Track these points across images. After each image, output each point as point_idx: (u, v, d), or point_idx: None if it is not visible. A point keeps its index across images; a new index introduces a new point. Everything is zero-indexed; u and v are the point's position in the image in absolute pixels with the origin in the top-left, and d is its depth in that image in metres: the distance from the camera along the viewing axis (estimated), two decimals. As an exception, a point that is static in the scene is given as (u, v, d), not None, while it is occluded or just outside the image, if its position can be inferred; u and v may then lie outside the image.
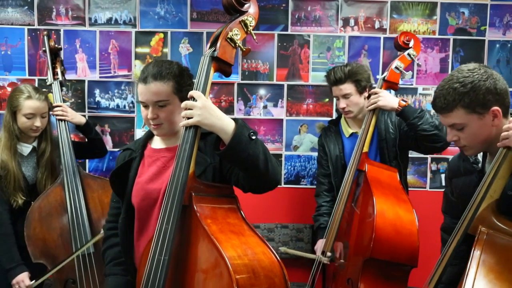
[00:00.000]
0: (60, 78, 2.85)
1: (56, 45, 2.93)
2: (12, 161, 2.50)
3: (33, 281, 2.44)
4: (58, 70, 2.86)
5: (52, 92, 2.83)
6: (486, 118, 1.54)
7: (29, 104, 2.52)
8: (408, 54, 2.57)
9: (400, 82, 2.65)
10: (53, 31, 3.18)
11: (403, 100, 2.46)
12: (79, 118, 2.82)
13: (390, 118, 2.64)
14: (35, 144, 2.64)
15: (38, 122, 2.54)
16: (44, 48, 2.90)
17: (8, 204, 2.52)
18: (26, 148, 2.61)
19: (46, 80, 2.88)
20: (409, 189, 2.82)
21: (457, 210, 1.80)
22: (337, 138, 2.77)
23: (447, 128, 1.64)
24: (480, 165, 1.69)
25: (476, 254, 1.42)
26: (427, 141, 2.44)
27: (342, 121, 2.80)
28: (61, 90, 2.85)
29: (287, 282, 1.47)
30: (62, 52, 3.16)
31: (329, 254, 2.55)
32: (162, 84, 1.68)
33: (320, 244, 2.70)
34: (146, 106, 1.73)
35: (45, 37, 2.89)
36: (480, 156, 1.70)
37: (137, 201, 1.78)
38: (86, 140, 2.91)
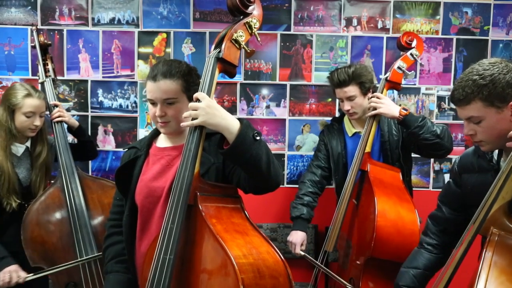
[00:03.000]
0: (52, 76, 2.78)
1: (46, 41, 2.84)
2: (7, 162, 2.43)
3: (31, 274, 2.33)
4: (50, 67, 2.78)
5: (45, 90, 2.73)
6: (504, 113, 1.52)
7: (30, 102, 2.46)
8: (411, 54, 2.57)
9: (403, 82, 2.65)
10: (56, 31, 3.18)
11: (404, 108, 2.42)
12: (73, 120, 2.77)
13: (393, 120, 2.63)
14: (28, 144, 2.57)
15: (37, 121, 2.49)
16: (33, 44, 2.82)
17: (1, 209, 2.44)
18: (19, 149, 2.54)
19: (38, 78, 2.79)
20: (412, 189, 2.82)
21: (459, 203, 1.82)
22: (340, 136, 2.77)
23: (464, 121, 1.62)
24: (496, 162, 1.67)
25: (487, 255, 1.41)
26: (429, 149, 2.43)
27: (346, 120, 2.79)
28: (55, 88, 2.78)
29: (291, 281, 1.47)
30: (64, 52, 3.17)
31: (303, 247, 2.53)
32: (171, 82, 1.70)
33: (300, 238, 2.63)
34: (154, 104, 1.74)
35: (34, 32, 2.81)
36: (495, 154, 1.67)
37: (140, 198, 1.78)
38: (79, 143, 2.84)
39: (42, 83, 2.77)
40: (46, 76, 2.76)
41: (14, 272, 2.31)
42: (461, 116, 1.62)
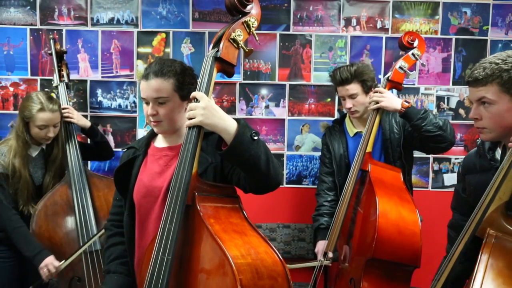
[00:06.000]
0: (66, 80, 2.92)
1: (62, 49, 2.99)
2: (25, 169, 2.54)
3: (62, 261, 2.46)
4: (64, 73, 2.92)
5: (57, 93, 2.88)
6: None
7: (42, 116, 2.54)
8: (413, 54, 2.56)
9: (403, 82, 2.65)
10: (55, 31, 3.18)
11: (406, 101, 2.44)
12: (84, 121, 2.87)
13: (395, 118, 2.64)
14: (43, 146, 2.69)
15: (51, 133, 2.59)
16: (50, 51, 2.95)
17: (16, 208, 2.54)
18: (34, 150, 2.65)
19: (52, 82, 2.93)
20: (412, 188, 2.81)
21: (467, 207, 1.78)
22: (341, 137, 2.77)
23: (474, 103, 1.61)
24: (497, 162, 1.65)
25: (484, 257, 1.39)
26: (432, 142, 2.43)
27: (347, 120, 2.80)
28: (67, 92, 2.90)
29: (290, 281, 1.47)
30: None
31: (330, 255, 2.54)
32: (162, 81, 1.71)
33: (321, 246, 2.67)
34: (147, 103, 1.76)
35: (51, 40, 2.95)
36: (498, 154, 1.67)
37: (138, 198, 1.79)
38: (93, 144, 2.95)
39: (56, 87, 2.90)
40: (60, 81, 2.90)
41: (50, 264, 2.45)
42: (472, 98, 1.61)
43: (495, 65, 1.52)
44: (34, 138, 2.59)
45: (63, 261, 2.46)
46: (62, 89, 2.87)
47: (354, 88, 2.58)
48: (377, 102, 2.47)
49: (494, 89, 1.53)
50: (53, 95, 2.87)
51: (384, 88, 2.54)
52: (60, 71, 2.91)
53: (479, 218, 1.48)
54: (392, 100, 2.45)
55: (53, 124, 2.59)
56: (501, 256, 1.39)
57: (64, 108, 2.78)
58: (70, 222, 2.61)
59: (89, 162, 3.23)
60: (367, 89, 2.60)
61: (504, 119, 1.54)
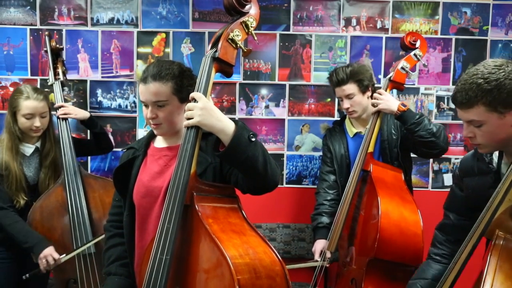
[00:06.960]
0: (62, 78, 2.86)
1: (58, 45, 2.93)
2: (14, 162, 2.51)
3: (63, 255, 2.45)
4: (60, 70, 2.87)
5: (53, 92, 2.84)
6: (506, 118, 1.47)
7: (27, 104, 2.52)
8: (415, 55, 2.57)
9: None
10: (55, 31, 3.18)
11: (403, 104, 2.44)
12: (83, 113, 2.83)
13: (393, 119, 2.64)
14: (38, 144, 2.65)
15: (37, 122, 2.54)
16: (45, 48, 2.91)
17: (11, 204, 2.53)
18: (28, 149, 2.62)
19: (48, 80, 2.89)
20: (412, 189, 2.81)
21: (464, 208, 1.78)
22: (342, 137, 2.78)
23: (464, 123, 1.58)
24: (495, 165, 1.64)
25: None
26: (424, 147, 2.44)
27: (347, 121, 2.80)
28: (63, 90, 2.86)
29: (289, 281, 1.47)
30: (64, 52, 3.17)
31: (328, 255, 2.53)
32: (161, 84, 1.70)
33: (319, 246, 2.66)
34: (146, 106, 1.75)
35: (46, 37, 2.91)
36: (495, 156, 1.65)
37: (138, 198, 1.79)
38: (92, 135, 2.92)
39: (51, 85, 2.85)
40: (56, 79, 2.85)
41: (50, 256, 2.42)
42: (461, 118, 1.58)
43: (477, 86, 1.46)
44: (22, 130, 2.55)
45: (64, 254, 2.44)
46: (57, 87, 2.82)
47: (350, 88, 2.59)
48: (375, 105, 2.48)
49: (480, 110, 1.48)
50: (53, 95, 2.86)
51: (386, 88, 2.56)
52: (55, 68, 2.85)
53: (488, 219, 1.47)
54: (389, 103, 2.45)
55: (40, 114, 2.55)
56: (510, 258, 1.38)
57: (59, 107, 2.75)
58: (65, 224, 2.58)
59: (89, 162, 3.23)
60: (363, 89, 2.61)
61: (497, 134, 1.51)
